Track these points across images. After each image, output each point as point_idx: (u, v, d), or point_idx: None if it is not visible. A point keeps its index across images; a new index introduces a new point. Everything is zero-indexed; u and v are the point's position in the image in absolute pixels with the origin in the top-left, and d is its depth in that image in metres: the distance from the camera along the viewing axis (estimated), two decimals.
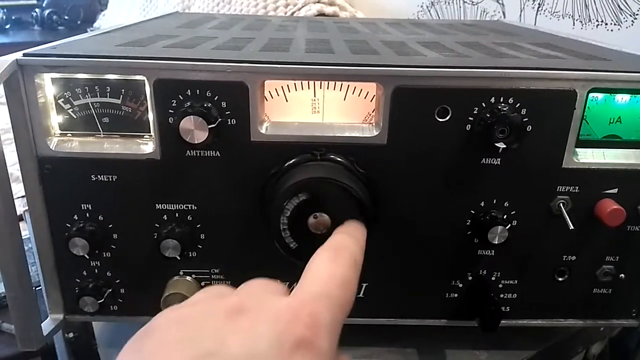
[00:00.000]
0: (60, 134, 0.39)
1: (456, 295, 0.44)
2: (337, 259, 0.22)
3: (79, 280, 0.42)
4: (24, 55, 0.36)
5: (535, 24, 0.86)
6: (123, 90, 0.38)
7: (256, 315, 0.19)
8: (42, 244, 0.41)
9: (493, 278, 0.43)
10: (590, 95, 0.38)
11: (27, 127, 0.38)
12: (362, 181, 0.38)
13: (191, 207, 0.40)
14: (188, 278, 0.42)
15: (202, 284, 0.43)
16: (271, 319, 0.18)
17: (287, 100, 0.39)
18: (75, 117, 0.39)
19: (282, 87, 0.39)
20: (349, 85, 0.39)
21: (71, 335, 0.49)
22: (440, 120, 0.37)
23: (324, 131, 0.38)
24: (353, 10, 1.20)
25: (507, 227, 0.39)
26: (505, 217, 0.40)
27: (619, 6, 0.73)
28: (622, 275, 0.43)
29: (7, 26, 2.32)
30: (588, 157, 0.40)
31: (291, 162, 0.38)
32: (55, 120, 0.39)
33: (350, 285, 0.21)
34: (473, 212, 0.40)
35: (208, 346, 0.17)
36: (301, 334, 0.18)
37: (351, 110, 0.39)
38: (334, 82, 0.38)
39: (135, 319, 0.44)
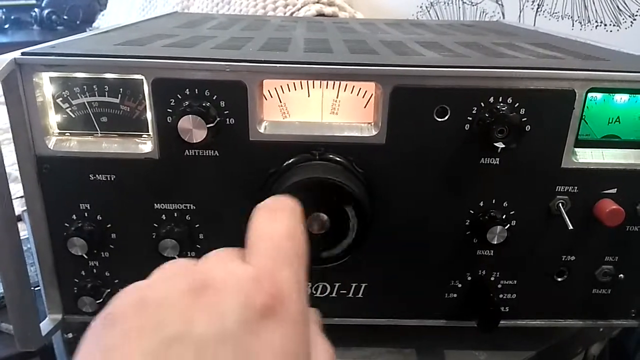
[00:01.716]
0: (59, 133, 0.39)
1: (455, 295, 0.44)
2: (276, 216, 0.22)
3: (77, 280, 0.42)
4: (22, 54, 0.36)
5: (534, 25, 0.86)
6: (121, 89, 0.38)
7: (219, 290, 0.18)
8: (40, 244, 0.41)
9: (492, 278, 0.43)
10: (589, 95, 0.38)
11: (26, 127, 0.37)
12: (361, 181, 0.38)
13: (190, 206, 0.40)
14: None
15: None
16: (235, 291, 0.18)
17: (309, 96, 0.39)
18: (73, 116, 0.39)
19: (300, 83, 0.38)
20: (366, 91, 0.38)
21: (70, 335, 0.48)
22: (439, 120, 0.37)
23: (322, 131, 0.38)
24: (352, 10, 1.19)
25: (506, 227, 0.39)
26: (504, 217, 0.40)
27: (618, 7, 0.73)
28: (622, 275, 0.43)
29: (6, 26, 2.31)
30: (587, 157, 0.40)
31: (290, 161, 0.38)
32: (53, 119, 0.39)
33: (298, 234, 0.22)
34: (472, 212, 0.40)
35: (175, 329, 0.17)
36: (265, 302, 0.18)
37: (368, 113, 0.39)
38: (352, 85, 0.38)
39: None
